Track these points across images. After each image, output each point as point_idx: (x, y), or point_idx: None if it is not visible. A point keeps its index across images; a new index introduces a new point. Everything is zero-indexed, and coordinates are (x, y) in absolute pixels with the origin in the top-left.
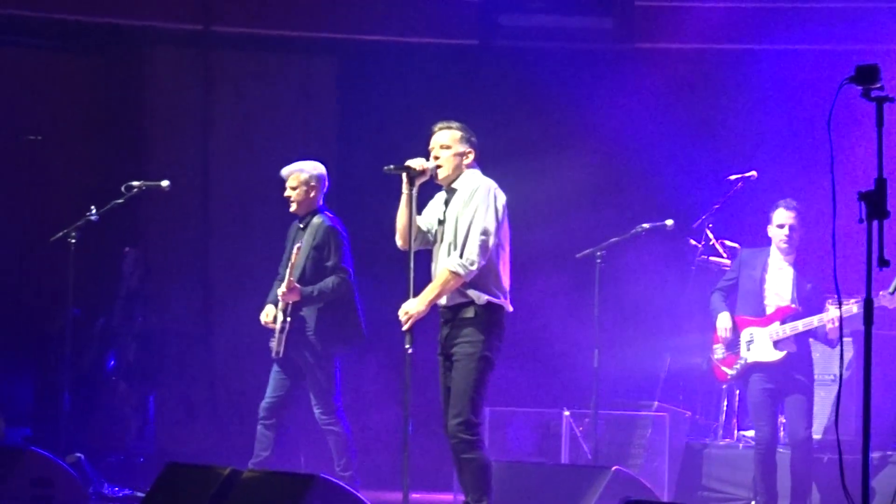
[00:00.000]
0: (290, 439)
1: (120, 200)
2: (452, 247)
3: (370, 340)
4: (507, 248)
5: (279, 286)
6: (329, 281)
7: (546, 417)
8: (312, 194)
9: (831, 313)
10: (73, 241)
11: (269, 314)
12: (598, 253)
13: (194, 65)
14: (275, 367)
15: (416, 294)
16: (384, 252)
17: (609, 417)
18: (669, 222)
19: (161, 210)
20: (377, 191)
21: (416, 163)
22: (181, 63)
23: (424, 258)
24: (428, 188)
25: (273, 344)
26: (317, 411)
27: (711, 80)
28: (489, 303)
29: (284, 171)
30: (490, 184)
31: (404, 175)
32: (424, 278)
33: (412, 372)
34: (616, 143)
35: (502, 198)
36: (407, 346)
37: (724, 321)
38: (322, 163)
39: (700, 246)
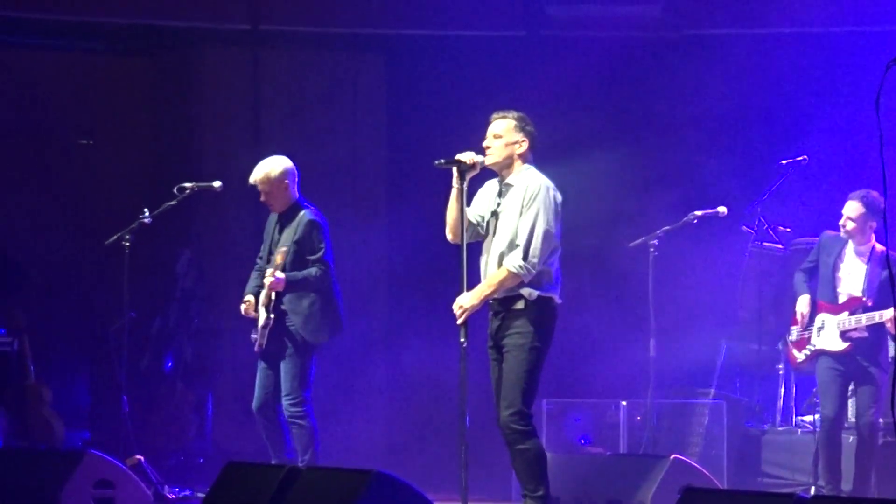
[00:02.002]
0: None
1: (173, 202)
2: (511, 245)
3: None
4: (559, 244)
5: (258, 277)
6: (312, 270)
7: (603, 408)
8: (287, 190)
9: (889, 311)
10: (128, 244)
11: (251, 304)
12: (652, 242)
13: (243, 64)
14: (260, 364)
15: (469, 287)
16: (437, 246)
17: (666, 406)
18: (722, 209)
19: (213, 211)
20: (428, 185)
21: (467, 156)
22: (230, 63)
23: (474, 251)
24: (477, 179)
25: (255, 336)
26: (286, 401)
27: (760, 66)
28: (540, 296)
29: (253, 179)
30: (548, 183)
31: (454, 169)
32: (474, 273)
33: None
34: (666, 131)
35: (559, 197)
36: (462, 340)
37: (802, 304)
38: (372, 159)
39: (753, 232)
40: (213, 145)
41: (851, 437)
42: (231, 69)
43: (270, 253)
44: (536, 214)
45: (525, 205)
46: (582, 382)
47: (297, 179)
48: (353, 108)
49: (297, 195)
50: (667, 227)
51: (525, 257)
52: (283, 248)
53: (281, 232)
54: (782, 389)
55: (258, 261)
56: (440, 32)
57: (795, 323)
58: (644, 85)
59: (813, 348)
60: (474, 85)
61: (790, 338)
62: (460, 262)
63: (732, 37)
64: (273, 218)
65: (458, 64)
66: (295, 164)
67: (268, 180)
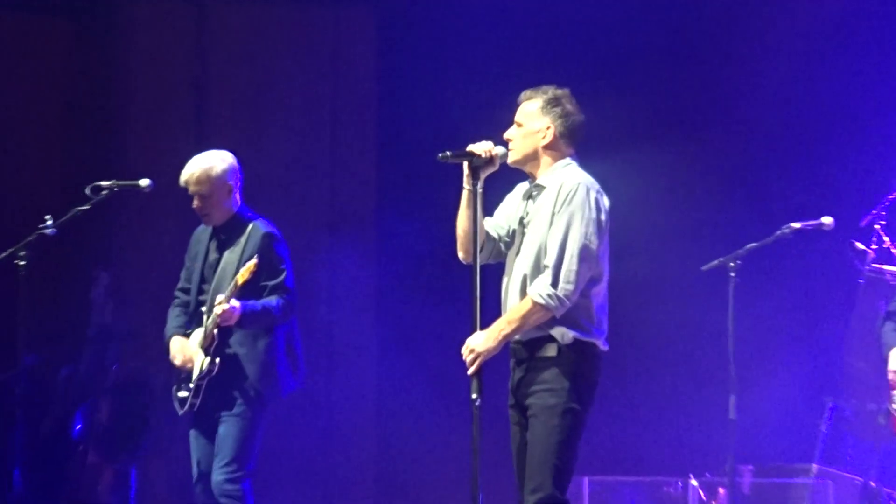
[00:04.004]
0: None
1: (85, 207)
2: (537, 266)
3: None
4: (606, 268)
5: (181, 314)
6: (272, 301)
7: (665, 487)
8: (230, 195)
9: None
10: (23, 263)
11: (186, 352)
12: (731, 264)
13: (183, 24)
14: (192, 431)
15: (484, 324)
16: (441, 264)
17: (752, 486)
18: (827, 220)
19: (141, 220)
20: (430, 182)
21: (482, 147)
22: (166, 24)
23: (495, 274)
24: (502, 180)
25: (181, 394)
26: (222, 474)
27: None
28: (577, 340)
29: (186, 176)
30: (589, 182)
31: (465, 164)
32: (494, 303)
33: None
34: (753, 119)
35: (606, 202)
36: (473, 396)
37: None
38: (361, 147)
39: (870, 251)
40: (142, 132)
41: None
42: (168, 32)
43: (203, 281)
44: (569, 224)
45: (556, 211)
46: (636, 454)
47: (240, 183)
48: (333, 81)
49: (241, 202)
50: (752, 245)
51: (555, 283)
52: (252, 264)
53: (221, 251)
54: None
55: (178, 294)
56: None
57: (893, 387)
58: (714, 55)
59: None
60: (488, 50)
61: (893, 405)
62: (472, 289)
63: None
64: (204, 234)
65: (469, 22)
66: (252, 159)
67: (207, 180)
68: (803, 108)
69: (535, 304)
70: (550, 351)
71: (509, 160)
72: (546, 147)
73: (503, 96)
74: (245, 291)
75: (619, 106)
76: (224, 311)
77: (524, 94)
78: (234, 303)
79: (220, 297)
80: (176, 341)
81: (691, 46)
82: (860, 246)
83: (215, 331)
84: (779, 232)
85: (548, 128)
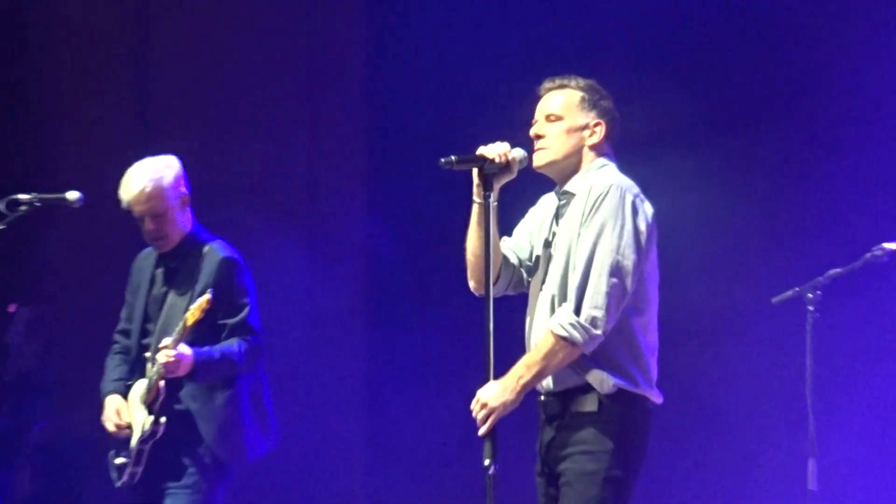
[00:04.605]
0: None
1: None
2: (562, 289)
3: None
4: (654, 294)
5: (122, 363)
6: (234, 344)
7: None
8: (184, 211)
9: None
10: None
11: (122, 415)
12: (810, 294)
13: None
14: None
15: (499, 374)
16: (445, 288)
17: None
18: None
19: (70, 242)
20: (432, 188)
21: (496, 150)
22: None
23: (520, 305)
24: (520, 192)
25: (119, 461)
26: None
27: None
28: (621, 391)
29: (132, 195)
30: (626, 184)
31: (475, 172)
32: (517, 343)
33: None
34: (836, 115)
35: (648, 209)
36: (486, 463)
37: None
38: (348, 148)
39: None
40: (71, 134)
41: None
42: (104, 12)
43: (147, 320)
44: (599, 234)
45: (584, 220)
46: None
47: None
48: (315, 67)
49: (193, 219)
50: (836, 271)
51: (578, 308)
52: (205, 299)
53: (170, 281)
54: None
55: (118, 338)
56: None
57: None
58: (776, 42)
59: None
60: (507, 29)
61: None
62: (485, 326)
63: None
64: (147, 261)
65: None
66: (213, 162)
67: (160, 195)
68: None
69: (557, 337)
70: (589, 405)
71: (542, 160)
72: (592, 147)
73: (513, 86)
74: (198, 333)
75: (659, 101)
76: (169, 361)
77: (553, 81)
78: (184, 349)
79: (165, 341)
80: (111, 401)
81: (742, 25)
82: None
83: (161, 383)
84: (869, 254)
85: (597, 123)
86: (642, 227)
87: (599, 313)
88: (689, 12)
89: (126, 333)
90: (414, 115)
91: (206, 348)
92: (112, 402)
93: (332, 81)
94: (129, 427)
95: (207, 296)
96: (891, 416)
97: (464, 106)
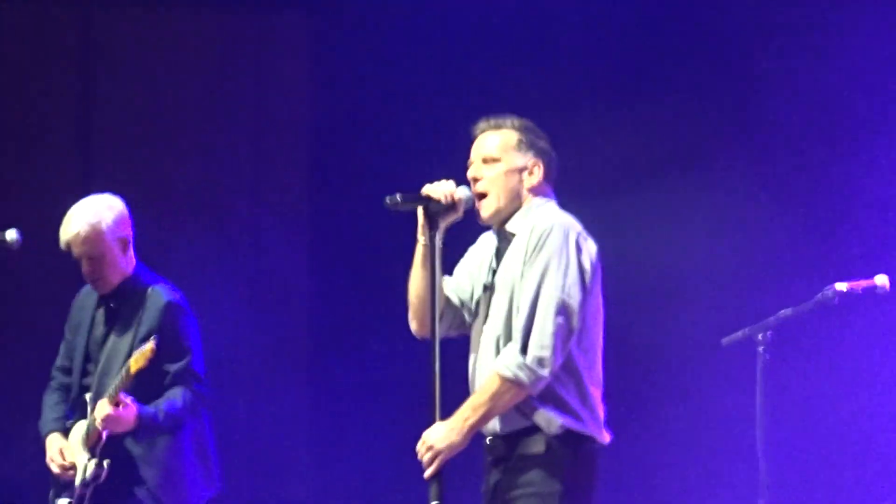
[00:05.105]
0: None
1: None
2: (506, 335)
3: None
4: (600, 334)
5: (60, 402)
6: (178, 396)
7: None
8: (125, 252)
9: None
10: None
11: (66, 454)
12: (760, 335)
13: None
14: None
15: (445, 415)
16: (389, 330)
17: None
18: (882, 280)
19: (8, 281)
20: (376, 225)
21: (441, 190)
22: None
23: (462, 347)
24: (464, 231)
25: (61, 503)
26: None
27: None
28: (568, 431)
29: (69, 237)
30: (568, 223)
31: (420, 211)
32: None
33: None
34: (786, 154)
35: (591, 247)
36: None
37: None
38: (291, 183)
39: None
40: (7, 171)
41: None
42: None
43: (88, 360)
44: (543, 274)
45: (527, 259)
46: None
47: (133, 234)
48: (258, 103)
49: (136, 261)
50: (786, 312)
51: (524, 348)
52: (148, 348)
53: (111, 323)
54: None
55: (56, 374)
56: None
57: None
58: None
59: None
60: (450, 57)
61: None
62: (431, 368)
63: None
64: (88, 299)
65: (422, 24)
66: (159, 196)
67: (97, 238)
68: (857, 140)
69: (503, 379)
70: (536, 446)
71: (488, 211)
72: (531, 189)
73: (453, 115)
74: (140, 378)
75: (605, 131)
76: (108, 418)
77: (486, 122)
78: (129, 406)
79: (107, 393)
80: (53, 441)
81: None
82: None
83: (104, 432)
84: (820, 295)
85: (535, 164)
86: (587, 264)
87: (546, 353)
88: (640, 41)
89: (65, 371)
90: (358, 151)
91: (152, 409)
92: (54, 442)
93: (275, 117)
94: (74, 468)
95: (151, 344)
96: (840, 459)
97: (409, 143)
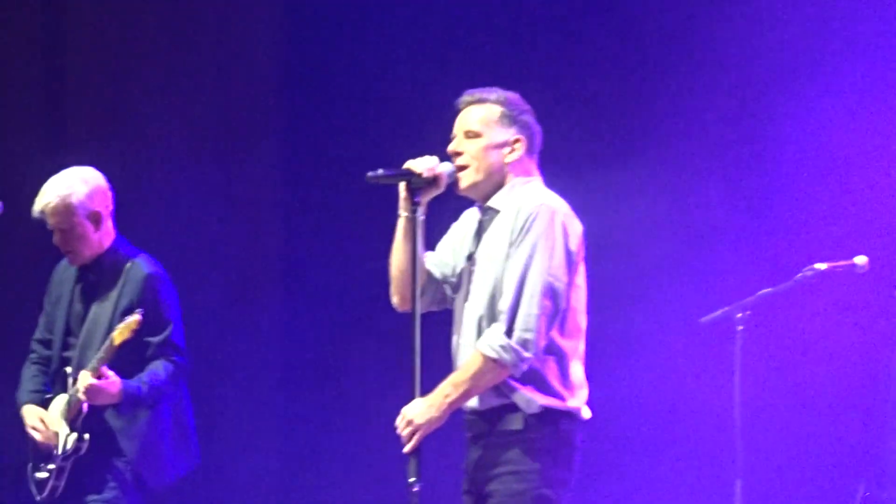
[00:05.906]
0: None
1: None
2: (491, 310)
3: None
4: (584, 312)
5: (39, 374)
6: (160, 368)
7: None
8: (101, 225)
9: None
10: None
11: (49, 422)
12: (738, 314)
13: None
14: None
15: (426, 391)
16: (372, 308)
17: None
18: (861, 260)
19: None
20: (356, 201)
21: (423, 164)
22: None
23: (444, 322)
24: (447, 205)
25: (40, 475)
26: None
27: None
28: (547, 409)
29: (40, 206)
30: (556, 205)
31: (402, 186)
32: (444, 359)
33: None
34: (766, 136)
35: (577, 228)
36: (411, 480)
37: None
38: (261, 161)
39: None
40: None
41: None
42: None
43: (68, 333)
44: (530, 256)
45: (514, 240)
46: None
47: (113, 208)
48: (230, 73)
49: (116, 234)
50: (765, 291)
51: (510, 331)
52: (134, 320)
53: (90, 296)
54: None
55: (36, 346)
56: None
57: None
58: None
59: None
60: (433, 34)
61: None
62: (412, 344)
63: None
64: (67, 272)
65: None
66: (132, 171)
67: (66, 210)
68: (834, 121)
69: (487, 359)
70: (515, 423)
71: (466, 182)
72: (511, 165)
73: (436, 90)
74: (122, 351)
75: (591, 113)
76: (92, 388)
77: (470, 96)
78: (112, 379)
79: (90, 365)
80: (31, 411)
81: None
82: None
83: (84, 400)
84: (799, 275)
85: (516, 140)
86: (573, 246)
87: (531, 335)
88: (612, 30)
89: (45, 343)
90: (336, 127)
91: (135, 383)
92: (32, 412)
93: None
94: (56, 435)
95: (137, 316)
96: (818, 439)
97: (388, 118)
